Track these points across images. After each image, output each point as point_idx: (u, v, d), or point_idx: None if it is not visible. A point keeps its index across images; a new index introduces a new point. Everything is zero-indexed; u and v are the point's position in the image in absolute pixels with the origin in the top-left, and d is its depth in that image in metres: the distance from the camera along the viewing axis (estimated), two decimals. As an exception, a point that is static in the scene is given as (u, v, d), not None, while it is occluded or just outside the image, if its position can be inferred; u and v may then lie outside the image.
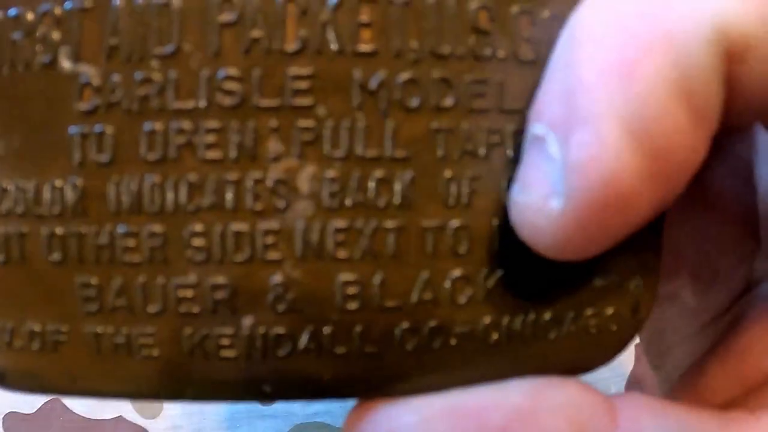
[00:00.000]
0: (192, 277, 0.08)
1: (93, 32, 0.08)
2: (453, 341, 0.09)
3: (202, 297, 0.08)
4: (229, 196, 0.08)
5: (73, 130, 0.08)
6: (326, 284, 0.08)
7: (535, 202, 0.08)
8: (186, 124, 0.08)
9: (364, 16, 0.08)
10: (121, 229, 0.08)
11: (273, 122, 0.08)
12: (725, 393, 0.10)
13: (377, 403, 0.09)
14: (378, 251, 0.08)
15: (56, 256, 0.08)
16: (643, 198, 0.07)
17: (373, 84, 0.08)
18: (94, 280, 0.08)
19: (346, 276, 0.08)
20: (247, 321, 0.08)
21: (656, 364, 0.12)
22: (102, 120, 0.08)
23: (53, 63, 0.08)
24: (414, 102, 0.08)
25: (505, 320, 0.09)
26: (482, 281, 0.09)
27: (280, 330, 0.08)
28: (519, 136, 0.08)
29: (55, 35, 0.08)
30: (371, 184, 0.08)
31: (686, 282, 0.11)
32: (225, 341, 0.08)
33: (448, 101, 0.08)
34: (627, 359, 0.28)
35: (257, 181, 0.08)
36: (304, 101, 0.08)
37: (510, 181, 0.08)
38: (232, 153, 0.08)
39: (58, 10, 0.08)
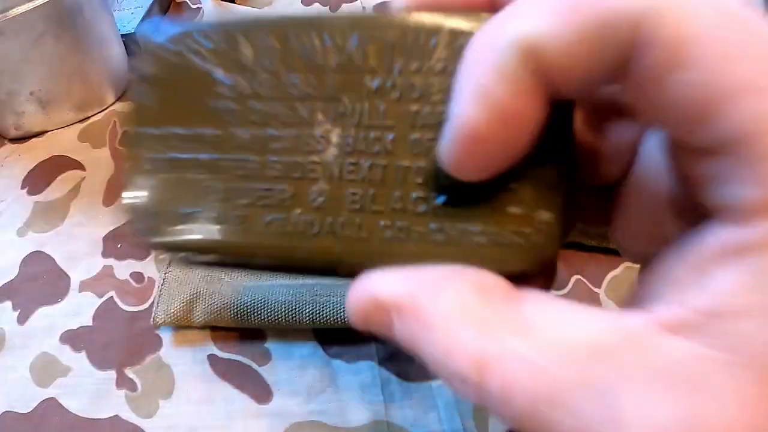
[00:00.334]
0: (273, 185, 0.15)
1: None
2: (413, 236, 0.14)
3: (276, 196, 0.15)
4: (294, 141, 0.15)
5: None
6: (341, 193, 0.15)
7: (442, 145, 0.13)
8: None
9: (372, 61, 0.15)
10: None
11: (319, 105, 0.15)
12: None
13: (367, 274, 0.14)
14: (371, 178, 0.15)
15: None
16: (489, 138, 0.12)
17: (374, 86, 0.15)
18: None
19: (352, 190, 0.15)
20: (296, 211, 0.15)
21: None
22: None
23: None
24: (396, 95, 0.15)
25: (446, 227, 0.14)
26: (432, 200, 0.14)
27: (312, 218, 0.15)
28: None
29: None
30: (370, 139, 0.15)
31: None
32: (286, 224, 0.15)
33: (416, 94, 0.15)
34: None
35: (309, 135, 0.15)
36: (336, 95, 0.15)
37: None
38: (301, 118, 0.15)
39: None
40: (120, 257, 0.33)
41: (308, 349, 0.29)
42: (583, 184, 0.17)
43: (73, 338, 0.30)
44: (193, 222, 0.16)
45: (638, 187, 0.15)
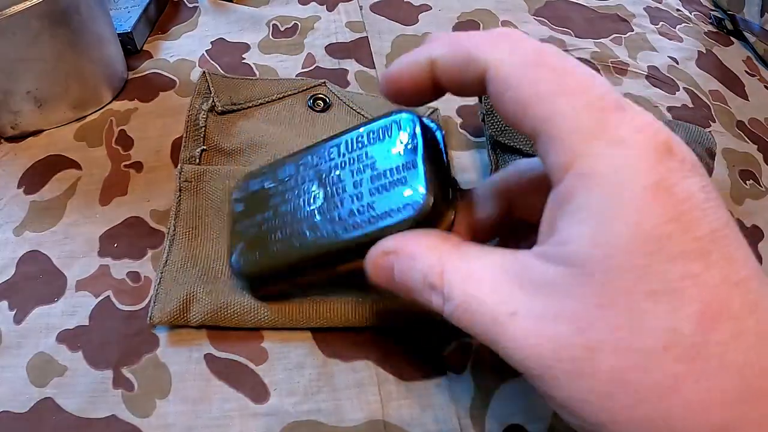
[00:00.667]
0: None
1: None
2: (357, 222, 0.26)
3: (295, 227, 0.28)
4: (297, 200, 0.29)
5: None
6: (325, 218, 0.27)
7: (380, 83, 0.24)
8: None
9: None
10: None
11: (312, 183, 0.29)
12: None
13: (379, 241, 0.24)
14: (335, 206, 0.27)
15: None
16: (395, 80, 0.23)
17: (335, 173, 0.28)
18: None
19: (329, 215, 0.27)
20: (307, 231, 0.27)
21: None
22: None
23: None
24: (347, 173, 0.27)
25: (373, 211, 0.25)
26: (365, 207, 0.26)
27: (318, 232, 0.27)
28: None
29: None
30: (335, 189, 0.27)
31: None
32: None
33: (354, 167, 0.27)
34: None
35: (307, 194, 0.28)
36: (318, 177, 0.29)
37: None
38: (302, 190, 0.29)
39: None
40: (116, 257, 0.33)
41: (305, 348, 0.29)
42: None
43: (69, 338, 0.30)
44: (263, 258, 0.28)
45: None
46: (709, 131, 0.40)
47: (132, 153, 0.38)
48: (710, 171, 0.37)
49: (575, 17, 0.53)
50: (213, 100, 0.39)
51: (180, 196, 0.34)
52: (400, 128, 0.26)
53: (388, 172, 0.25)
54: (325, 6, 0.51)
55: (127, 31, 0.44)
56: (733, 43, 0.53)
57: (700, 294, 0.16)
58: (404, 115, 0.26)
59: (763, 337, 0.16)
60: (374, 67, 0.45)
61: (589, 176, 0.17)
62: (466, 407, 0.28)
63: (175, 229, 0.33)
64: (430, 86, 0.22)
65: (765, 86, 0.48)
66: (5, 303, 0.31)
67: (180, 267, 0.31)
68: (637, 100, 0.44)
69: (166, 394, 0.28)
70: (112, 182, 0.37)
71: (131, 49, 0.45)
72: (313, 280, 0.28)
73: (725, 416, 0.16)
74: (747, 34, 0.53)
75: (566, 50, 0.47)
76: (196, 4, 0.51)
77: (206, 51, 0.46)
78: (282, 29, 0.48)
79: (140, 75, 0.44)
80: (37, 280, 0.32)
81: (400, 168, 0.25)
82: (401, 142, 0.26)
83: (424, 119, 0.26)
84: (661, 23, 0.53)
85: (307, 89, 0.41)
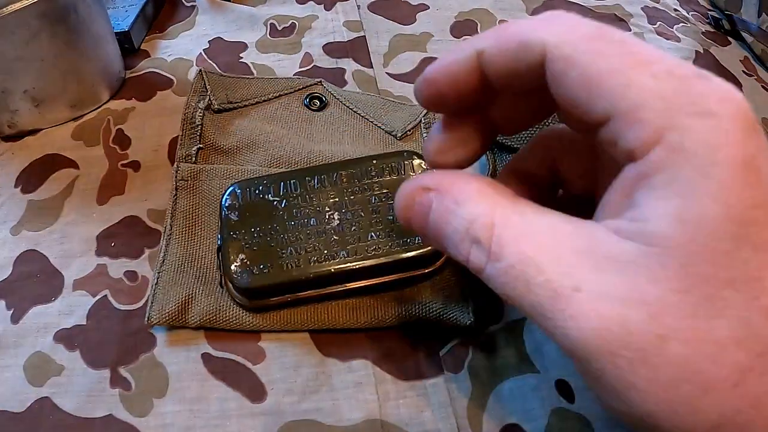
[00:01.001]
0: (309, 242, 0.30)
1: None
2: (379, 247, 0.30)
3: (312, 245, 0.30)
4: (316, 217, 0.31)
5: None
6: (342, 237, 0.30)
7: (415, 90, 0.22)
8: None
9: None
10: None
11: (325, 204, 0.31)
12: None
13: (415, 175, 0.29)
14: (354, 229, 0.30)
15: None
16: (436, 81, 0.21)
17: (346, 193, 0.31)
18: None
19: (347, 236, 0.30)
20: (324, 250, 0.30)
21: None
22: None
23: None
24: (359, 194, 0.31)
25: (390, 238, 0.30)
26: (384, 235, 0.30)
27: (333, 250, 0.30)
28: None
29: None
30: (352, 215, 0.31)
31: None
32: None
33: (368, 193, 0.31)
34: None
35: (323, 216, 0.31)
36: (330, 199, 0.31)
37: None
38: (317, 211, 0.31)
39: None
40: (114, 256, 0.33)
41: (302, 348, 0.29)
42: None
43: (66, 337, 0.30)
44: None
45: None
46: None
47: (129, 152, 0.38)
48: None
49: (573, 17, 0.53)
50: (209, 99, 0.39)
51: (176, 194, 0.34)
52: (412, 169, 0.32)
53: None
54: (322, 5, 0.51)
55: (124, 30, 0.44)
56: (730, 43, 0.53)
57: None
58: (415, 157, 0.32)
59: None
60: (372, 67, 0.45)
61: (679, 150, 0.16)
62: (464, 407, 0.28)
63: (171, 228, 0.33)
64: (477, 85, 0.20)
65: (762, 86, 0.49)
66: (2, 302, 0.31)
67: (178, 267, 0.31)
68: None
69: (164, 393, 0.28)
70: (110, 181, 0.37)
71: (129, 48, 0.45)
72: (321, 294, 0.30)
73: None
74: (744, 34, 0.53)
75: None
76: (194, 3, 0.51)
77: (204, 50, 0.46)
78: (279, 28, 0.48)
79: (138, 74, 0.44)
80: (35, 280, 0.32)
81: None
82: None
83: None
84: (658, 23, 0.53)
85: (303, 88, 0.41)
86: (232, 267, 0.29)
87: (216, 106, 0.39)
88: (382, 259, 0.29)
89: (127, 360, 0.29)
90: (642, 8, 0.55)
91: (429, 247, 0.29)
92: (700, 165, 0.15)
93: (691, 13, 0.57)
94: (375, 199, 0.31)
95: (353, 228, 0.30)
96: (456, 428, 0.27)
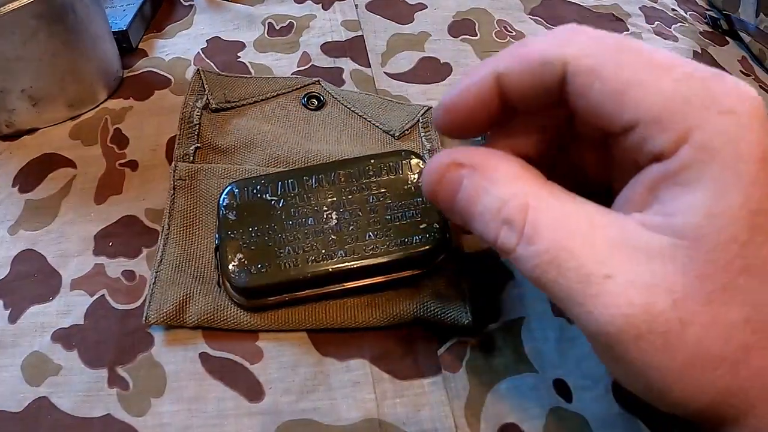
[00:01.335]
0: (307, 241, 0.30)
1: None
2: (378, 245, 0.30)
3: (310, 244, 0.30)
4: (314, 217, 0.31)
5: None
6: (340, 237, 0.30)
7: (434, 116, 0.23)
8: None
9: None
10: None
11: (323, 204, 0.31)
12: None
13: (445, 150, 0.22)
14: (352, 228, 0.30)
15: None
16: (454, 109, 0.21)
17: (344, 193, 0.31)
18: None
19: (345, 236, 0.30)
20: (321, 249, 0.30)
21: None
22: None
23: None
24: (357, 193, 0.31)
25: (389, 238, 0.30)
26: (382, 233, 0.30)
27: (330, 249, 0.30)
28: None
29: None
30: (349, 214, 0.31)
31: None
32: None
33: (366, 193, 0.31)
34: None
35: (320, 215, 0.31)
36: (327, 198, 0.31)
37: None
38: (315, 211, 0.31)
39: None
40: (111, 255, 0.33)
41: (300, 347, 0.29)
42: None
43: (64, 337, 0.30)
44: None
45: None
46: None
47: (127, 151, 0.38)
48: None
49: (571, 16, 0.53)
50: (207, 98, 0.39)
51: (174, 194, 0.34)
52: (410, 169, 0.31)
53: (402, 205, 0.30)
54: (320, 5, 0.51)
55: (122, 30, 0.44)
56: (728, 42, 0.54)
57: None
58: (413, 157, 0.32)
59: None
60: (369, 66, 0.45)
61: (705, 148, 0.17)
62: (461, 406, 0.28)
63: (169, 228, 0.33)
64: (496, 107, 0.21)
65: (760, 86, 0.49)
66: (0, 302, 0.31)
67: (175, 266, 0.31)
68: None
69: (161, 393, 0.28)
70: (107, 181, 0.36)
71: (126, 47, 0.45)
72: (318, 294, 0.30)
73: None
74: (742, 34, 0.53)
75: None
76: (192, 3, 0.51)
77: (201, 49, 0.46)
78: (277, 28, 0.48)
79: (135, 73, 0.44)
80: (32, 279, 0.32)
81: (418, 203, 0.30)
82: (412, 181, 0.31)
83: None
84: (656, 23, 0.53)
85: (301, 87, 0.41)
86: (230, 266, 0.29)
87: (214, 106, 0.39)
88: (380, 259, 0.29)
89: (125, 359, 0.29)
90: (640, 8, 0.55)
91: (427, 247, 0.29)
92: (725, 161, 0.17)
93: (689, 12, 0.57)
94: (373, 198, 0.31)
95: (351, 227, 0.30)
96: (454, 427, 0.27)
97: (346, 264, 0.29)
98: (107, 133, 0.39)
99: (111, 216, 0.35)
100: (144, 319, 0.29)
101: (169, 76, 0.43)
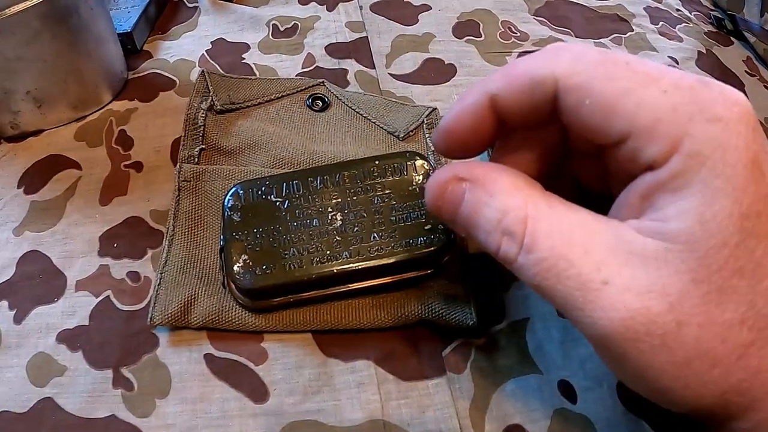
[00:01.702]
0: (312, 243, 0.30)
1: None
2: (383, 245, 0.30)
3: (315, 245, 0.30)
4: (319, 218, 0.31)
5: None
6: (345, 238, 0.30)
7: (433, 138, 0.24)
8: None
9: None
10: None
11: (327, 205, 0.31)
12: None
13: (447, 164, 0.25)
14: (356, 229, 0.30)
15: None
16: (453, 132, 0.22)
17: (349, 194, 0.31)
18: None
19: (350, 237, 0.30)
20: (326, 251, 0.30)
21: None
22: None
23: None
24: (362, 194, 0.31)
25: (394, 238, 0.30)
26: (387, 235, 0.30)
27: (334, 250, 0.30)
28: None
29: None
30: (354, 215, 0.31)
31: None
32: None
33: (371, 194, 0.32)
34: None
35: (326, 216, 0.31)
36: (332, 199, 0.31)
37: None
38: (320, 212, 0.31)
39: None
40: (116, 257, 0.33)
41: (304, 348, 0.29)
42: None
43: (69, 338, 0.30)
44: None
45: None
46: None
47: (132, 153, 0.38)
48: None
49: (575, 17, 0.53)
50: (212, 99, 0.39)
51: (179, 195, 0.34)
52: (415, 170, 0.32)
53: (407, 206, 0.30)
54: (325, 6, 0.51)
55: (127, 31, 0.44)
56: (733, 43, 0.53)
57: None
58: (418, 158, 0.32)
59: None
60: (374, 67, 0.45)
61: (696, 156, 0.17)
62: (466, 407, 0.28)
63: (173, 229, 0.33)
64: (492, 128, 0.22)
65: (765, 86, 0.48)
66: (5, 303, 0.31)
67: (180, 268, 0.31)
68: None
69: (166, 394, 0.28)
70: (112, 182, 0.37)
71: (131, 49, 0.45)
72: (323, 295, 0.30)
73: None
74: (747, 34, 0.53)
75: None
76: (196, 4, 0.51)
77: (206, 51, 0.46)
78: (282, 29, 0.48)
79: (140, 75, 0.44)
80: (37, 280, 0.32)
81: (422, 204, 0.30)
82: (416, 182, 0.31)
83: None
84: (660, 23, 0.53)
85: (305, 89, 0.41)
86: (235, 268, 0.29)
87: (218, 107, 0.39)
88: (385, 260, 0.29)
89: (130, 360, 0.29)
90: (644, 8, 0.55)
91: (432, 248, 0.29)
92: (714, 167, 0.17)
93: (693, 13, 0.57)
94: (377, 199, 0.31)
95: (356, 229, 0.30)
96: (458, 429, 0.27)
97: (351, 265, 0.29)
98: (112, 135, 0.39)
99: (116, 217, 0.35)
100: (149, 320, 0.29)
101: (174, 78, 0.43)
